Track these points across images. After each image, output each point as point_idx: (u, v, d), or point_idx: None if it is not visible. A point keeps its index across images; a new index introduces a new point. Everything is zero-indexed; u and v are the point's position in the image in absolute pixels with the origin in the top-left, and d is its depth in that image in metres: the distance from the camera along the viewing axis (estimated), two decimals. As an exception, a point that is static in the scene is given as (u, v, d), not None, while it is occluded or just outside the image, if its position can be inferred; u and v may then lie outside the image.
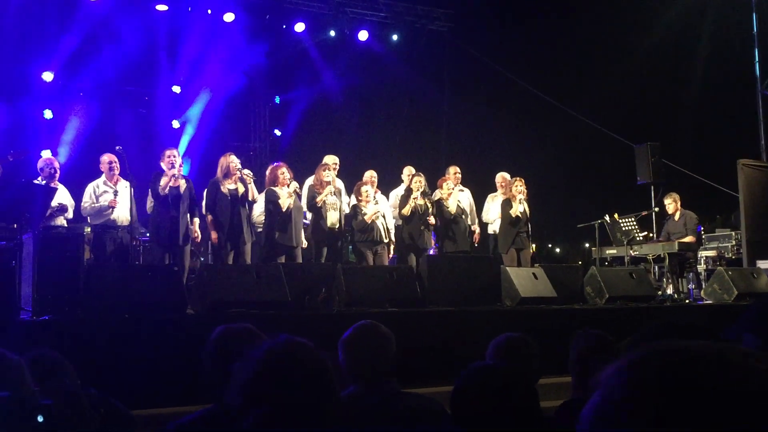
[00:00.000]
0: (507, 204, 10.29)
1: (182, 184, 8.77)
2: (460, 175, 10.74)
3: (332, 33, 14.85)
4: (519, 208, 10.16)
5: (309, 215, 9.65)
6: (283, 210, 8.97)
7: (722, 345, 0.84)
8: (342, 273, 7.70)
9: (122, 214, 8.94)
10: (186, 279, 8.34)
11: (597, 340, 3.21)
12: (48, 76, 12.59)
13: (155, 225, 8.75)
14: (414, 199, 9.92)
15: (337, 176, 10.18)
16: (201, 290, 7.01)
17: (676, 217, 11.10)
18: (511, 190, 10.34)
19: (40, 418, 0.95)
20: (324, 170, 9.50)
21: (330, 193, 9.38)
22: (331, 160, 10.13)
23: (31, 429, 0.94)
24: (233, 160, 8.98)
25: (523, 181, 10.37)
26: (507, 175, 10.80)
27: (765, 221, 12.35)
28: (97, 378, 4.61)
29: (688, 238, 10.84)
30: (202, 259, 10.33)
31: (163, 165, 8.78)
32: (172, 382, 5.71)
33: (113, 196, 8.90)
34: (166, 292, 6.69)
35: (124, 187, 8.99)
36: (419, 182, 10.00)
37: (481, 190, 11.19)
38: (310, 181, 9.77)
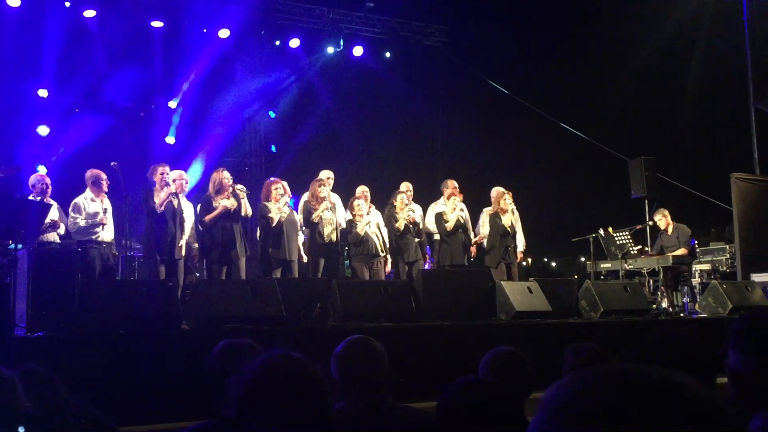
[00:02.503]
0: (495, 217, 10.32)
1: (174, 199, 8.78)
2: (457, 188, 10.75)
3: (327, 49, 14.93)
4: (507, 221, 10.20)
5: (305, 230, 9.68)
6: (273, 224, 8.99)
7: (670, 372, 0.84)
8: (337, 287, 7.70)
9: (107, 230, 8.92)
10: (181, 294, 8.32)
11: (588, 354, 3.21)
12: (43, 93, 12.61)
13: (151, 241, 8.70)
14: (409, 212, 9.99)
15: (333, 191, 10.23)
16: (196, 305, 7.01)
17: (669, 231, 11.15)
18: (499, 204, 10.37)
19: (21, 430, 0.96)
20: (319, 185, 9.55)
21: (326, 209, 9.42)
22: (325, 174, 10.18)
23: None
24: (225, 176, 8.99)
25: (511, 194, 10.41)
26: (503, 189, 10.82)
27: (759, 234, 12.38)
28: (91, 394, 4.60)
29: (680, 251, 10.88)
30: (198, 274, 10.33)
31: (155, 179, 8.77)
32: (167, 398, 5.70)
33: (103, 214, 8.86)
34: (160, 308, 6.69)
35: (109, 204, 8.99)
36: (402, 198, 10.07)
37: (475, 204, 11.21)
38: (305, 196, 9.80)
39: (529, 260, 10.58)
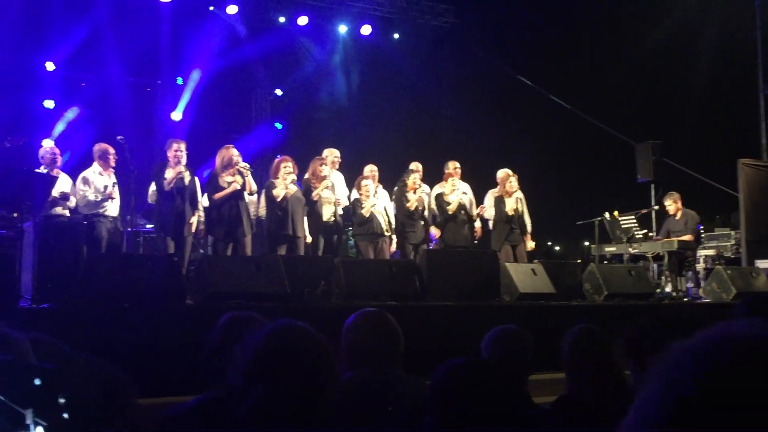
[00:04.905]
0: (500, 201, 10.29)
1: (186, 175, 8.76)
2: (459, 170, 10.68)
3: (335, 27, 14.87)
4: (512, 204, 10.16)
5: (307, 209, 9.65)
6: (278, 200, 8.98)
7: None
8: (341, 266, 7.71)
9: (114, 204, 8.92)
10: (186, 270, 8.33)
11: (587, 336, 3.21)
12: (50, 66, 12.59)
13: (160, 216, 8.70)
14: (419, 192, 9.94)
15: (338, 170, 10.19)
16: (201, 281, 7.02)
17: (678, 216, 11.10)
18: (504, 187, 10.33)
19: (37, 381, 0.96)
20: (320, 164, 9.49)
21: (326, 187, 9.38)
22: (331, 153, 10.13)
23: (29, 392, 0.95)
24: (233, 153, 8.97)
25: (516, 177, 10.37)
26: (509, 172, 10.77)
27: (764, 221, 12.36)
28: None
29: (687, 237, 10.85)
30: (202, 251, 10.35)
31: (169, 155, 8.76)
32: (170, 372, 5.72)
33: (112, 187, 8.87)
34: (165, 282, 6.70)
35: (115, 178, 8.99)
36: (415, 178, 10.03)
37: (481, 185, 11.19)
38: (306, 174, 9.76)
39: (533, 243, 10.53)
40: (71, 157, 10.40)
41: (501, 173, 10.70)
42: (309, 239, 9.33)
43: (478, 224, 10.77)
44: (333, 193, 9.57)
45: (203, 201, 9.25)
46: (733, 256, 12.18)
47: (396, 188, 10.22)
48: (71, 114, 12.37)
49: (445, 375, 2.23)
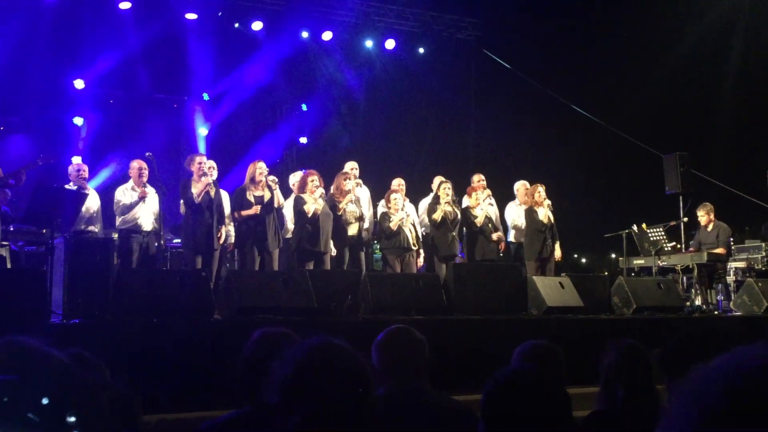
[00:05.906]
0: (531, 212, 10.22)
1: (212, 189, 8.82)
2: (484, 182, 10.64)
3: (360, 42, 14.91)
4: (545, 212, 10.08)
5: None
6: (309, 216, 8.98)
7: None
8: (368, 280, 7.71)
9: (148, 219, 8.99)
10: (213, 284, 8.36)
11: (629, 351, 3.18)
12: (79, 84, 12.75)
13: (189, 231, 8.75)
14: (447, 204, 9.88)
15: (364, 184, 10.20)
16: (228, 296, 7.06)
17: (709, 228, 10.97)
18: (533, 198, 10.26)
19: (45, 401, 0.96)
20: (344, 178, 9.50)
21: (350, 201, 9.38)
22: (349, 166, 10.15)
23: (37, 412, 0.96)
24: (261, 167, 9.01)
25: (544, 187, 10.30)
26: (527, 184, 10.73)
27: (795, 232, 12.17)
28: (124, 381, 4.65)
29: (719, 250, 10.72)
30: (228, 265, 10.38)
31: (193, 170, 8.83)
32: (198, 387, 5.75)
33: (142, 201, 8.94)
34: (193, 297, 6.74)
35: (153, 193, 9.06)
36: (446, 189, 9.98)
37: (507, 198, 11.15)
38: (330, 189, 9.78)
39: (560, 252, 10.49)
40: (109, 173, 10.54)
41: (522, 186, 10.67)
42: (333, 252, 9.34)
43: (502, 238, 10.71)
44: (358, 207, 9.58)
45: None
46: (764, 269, 11.98)
47: (430, 201, 10.21)
48: (83, 132, 12.59)
49: (498, 384, 2.19)
